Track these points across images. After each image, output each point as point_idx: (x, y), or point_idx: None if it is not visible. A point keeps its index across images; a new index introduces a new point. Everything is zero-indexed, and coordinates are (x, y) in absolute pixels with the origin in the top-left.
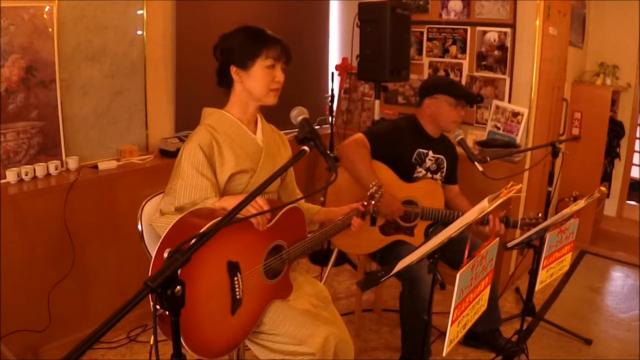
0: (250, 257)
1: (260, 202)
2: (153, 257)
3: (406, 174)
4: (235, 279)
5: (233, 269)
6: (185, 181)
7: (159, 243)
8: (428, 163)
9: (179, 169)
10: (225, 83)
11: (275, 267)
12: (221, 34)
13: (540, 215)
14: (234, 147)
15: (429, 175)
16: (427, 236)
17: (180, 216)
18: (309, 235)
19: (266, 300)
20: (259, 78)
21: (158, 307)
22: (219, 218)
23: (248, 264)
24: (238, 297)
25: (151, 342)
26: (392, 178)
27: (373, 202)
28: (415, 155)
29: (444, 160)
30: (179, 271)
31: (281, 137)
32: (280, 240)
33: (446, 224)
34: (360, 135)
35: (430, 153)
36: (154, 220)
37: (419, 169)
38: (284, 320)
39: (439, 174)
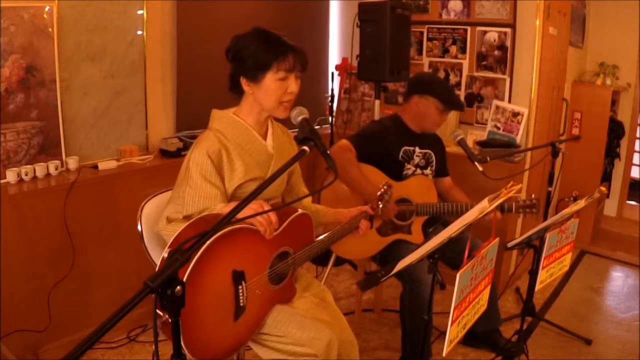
0: (256, 265)
1: (264, 206)
2: (159, 263)
3: (395, 173)
4: (240, 287)
5: (238, 277)
6: (193, 190)
7: (167, 248)
8: (416, 159)
9: (187, 177)
10: (236, 90)
11: (280, 272)
12: (234, 35)
13: (533, 196)
14: (243, 156)
15: (419, 171)
16: (427, 236)
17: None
18: (315, 241)
19: (270, 305)
20: (270, 92)
21: (160, 312)
22: (221, 222)
23: (253, 272)
24: (242, 304)
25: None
26: (382, 179)
27: (381, 204)
28: (401, 153)
29: (432, 154)
30: (186, 275)
31: (290, 139)
32: (286, 247)
33: (442, 218)
34: (344, 141)
35: (417, 149)
36: (162, 229)
37: (408, 166)
38: (286, 322)
39: (429, 168)
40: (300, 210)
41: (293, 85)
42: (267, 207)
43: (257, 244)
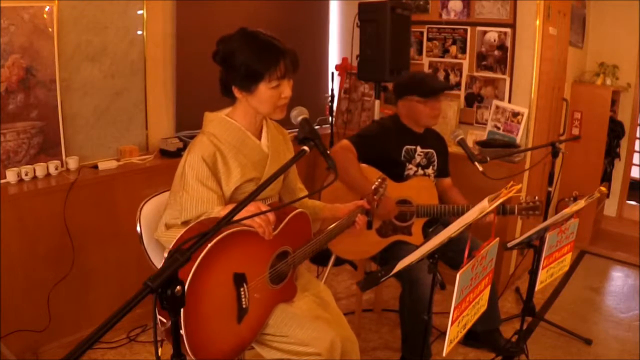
0: (256, 266)
1: (261, 208)
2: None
3: (397, 173)
4: (242, 289)
5: (239, 280)
6: (190, 195)
7: (166, 254)
8: (418, 159)
9: (183, 182)
10: (229, 95)
11: (281, 272)
12: (220, 37)
13: (537, 198)
14: (238, 157)
15: (421, 171)
16: (427, 236)
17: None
18: (313, 238)
19: (272, 305)
20: (264, 100)
21: (163, 319)
22: (220, 222)
23: (254, 274)
24: (244, 306)
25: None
26: None
27: (377, 197)
28: (403, 152)
29: (434, 153)
30: (187, 281)
31: (285, 137)
32: (285, 246)
33: (443, 220)
34: (345, 141)
35: (419, 148)
36: (160, 235)
37: (409, 166)
38: (289, 322)
39: (431, 168)
40: (297, 209)
41: (287, 89)
42: (264, 208)
43: (256, 245)
